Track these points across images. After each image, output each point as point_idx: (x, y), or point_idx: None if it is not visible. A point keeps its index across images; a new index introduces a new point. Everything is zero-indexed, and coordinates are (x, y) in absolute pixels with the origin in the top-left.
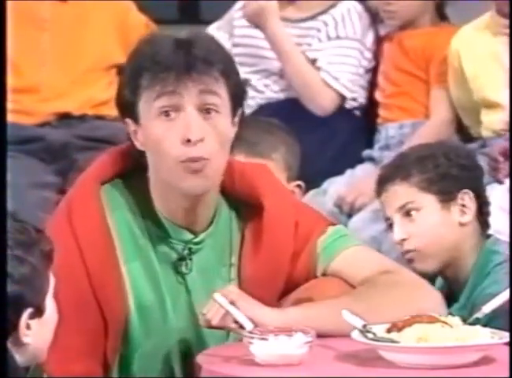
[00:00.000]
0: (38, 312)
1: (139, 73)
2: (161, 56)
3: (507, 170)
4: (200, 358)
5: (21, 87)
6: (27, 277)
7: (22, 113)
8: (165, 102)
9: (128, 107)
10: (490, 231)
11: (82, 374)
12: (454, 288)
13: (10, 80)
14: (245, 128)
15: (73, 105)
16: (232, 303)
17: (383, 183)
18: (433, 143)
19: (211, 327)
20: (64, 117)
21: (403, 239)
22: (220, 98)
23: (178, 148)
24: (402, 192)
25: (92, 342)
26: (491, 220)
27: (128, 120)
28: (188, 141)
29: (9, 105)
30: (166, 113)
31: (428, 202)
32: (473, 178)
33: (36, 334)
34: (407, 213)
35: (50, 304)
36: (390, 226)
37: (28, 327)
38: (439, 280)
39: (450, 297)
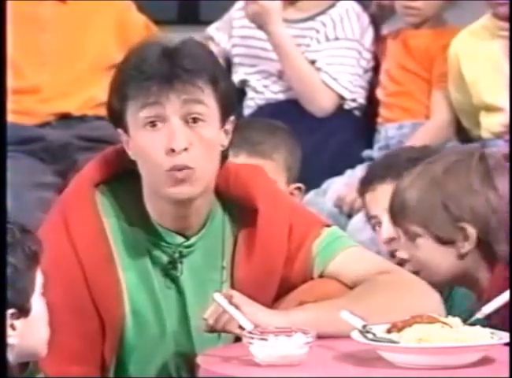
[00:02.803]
0: (23, 312)
1: (125, 82)
2: (146, 65)
3: None
4: (200, 359)
5: (21, 87)
6: (8, 278)
7: (22, 113)
8: (148, 113)
9: (116, 117)
10: None
11: (80, 375)
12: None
13: (10, 81)
14: (248, 128)
15: (73, 106)
16: (235, 307)
17: (370, 182)
18: (420, 147)
19: (213, 331)
20: (65, 118)
21: (392, 238)
22: (207, 106)
23: (162, 157)
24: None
25: (90, 343)
26: None
27: (120, 131)
28: (172, 150)
29: (10, 106)
30: (152, 124)
31: None
32: None
33: (23, 334)
34: None
35: (37, 303)
36: (374, 226)
37: (13, 327)
38: None
39: None
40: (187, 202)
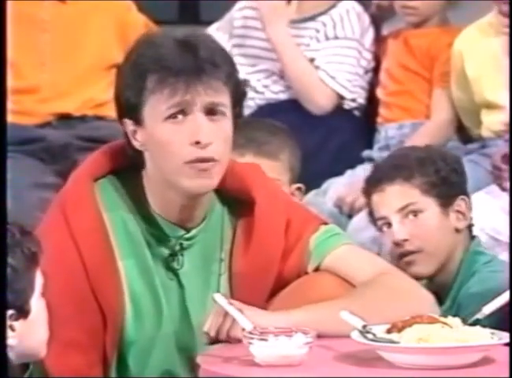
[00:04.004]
0: (22, 313)
1: (142, 76)
2: (167, 59)
3: None
4: (200, 359)
5: (21, 87)
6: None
7: (22, 113)
8: (174, 106)
9: (130, 108)
10: (489, 232)
11: (83, 367)
12: (440, 291)
13: (10, 81)
14: (251, 129)
15: (73, 106)
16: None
17: (378, 182)
18: (427, 146)
19: (216, 342)
20: (65, 118)
21: (405, 240)
22: (226, 100)
23: (186, 149)
24: (403, 193)
25: (92, 335)
26: (493, 220)
27: (127, 121)
28: (197, 143)
29: (10, 106)
30: (174, 116)
31: (429, 205)
32: (464, 183)
33: (23, 335)
34: (408, 214)
35: (37, 304)
36: (381, 226)
37: (12, 328)
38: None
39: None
40: (199, 195)
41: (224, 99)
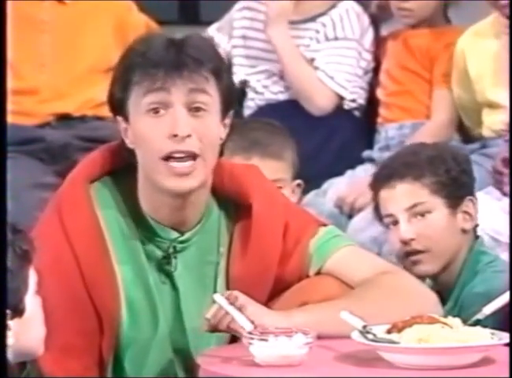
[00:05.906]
0: (17, 312)
1: (130, 69)
2: (151, 53)
3: None
4: (200, 359)
5: (21, 88)
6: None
7: (22, 114)
8: (153, 98)
9: (118, 104)
10: (489, 232)
11: (79, 371)
12: (443, 290)
13: (10, 82)
14: (253, 130)
15: (73, 106)
16: (241, 307)
17: (388, 178)
18: (438, 144)
19: (215, 331)
20: (64, 118)
21: (412, 239)
22: (210, 97)
23: (164, 142)
24: (412, 192)
25: (88, 339)
26: (492, 221)
27: (119, 118)
28: (175, 136)
29: (9, 107)
30: (155, 110)
31: (437, 206)
32: (472, 183)
33: (19, 334)
34: (416, 214)
35: (31, 303)
36: (388, 224)
37: (8, 328)
38: (428, 282)
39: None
40: (185, 194)
41: (206, 96)
